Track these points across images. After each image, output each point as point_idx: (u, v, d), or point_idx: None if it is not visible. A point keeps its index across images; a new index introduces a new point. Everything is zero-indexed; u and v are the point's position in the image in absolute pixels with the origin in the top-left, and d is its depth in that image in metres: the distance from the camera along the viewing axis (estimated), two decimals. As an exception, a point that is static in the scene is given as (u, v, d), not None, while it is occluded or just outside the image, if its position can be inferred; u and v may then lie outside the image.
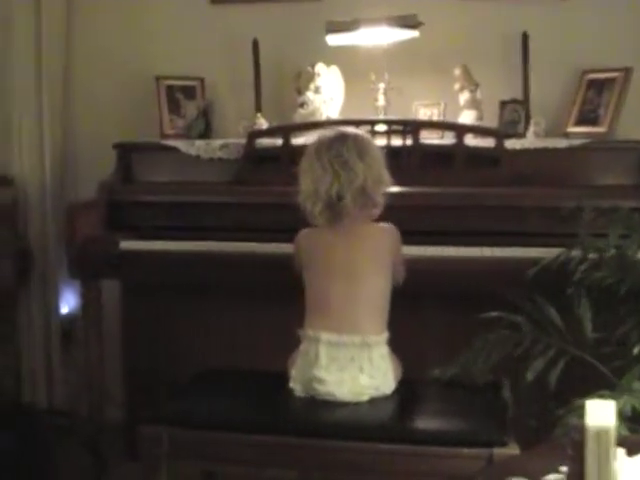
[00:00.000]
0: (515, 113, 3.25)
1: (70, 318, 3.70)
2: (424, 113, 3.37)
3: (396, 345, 2.53)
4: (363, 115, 3.27)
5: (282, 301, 2.99)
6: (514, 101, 3.27)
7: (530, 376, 2.47)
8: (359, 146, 2.54)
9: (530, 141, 3.15)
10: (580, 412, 2.25)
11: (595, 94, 3.24)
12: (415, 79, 3.38)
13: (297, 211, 2.56)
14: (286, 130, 3.16)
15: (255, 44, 3.42)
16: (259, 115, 3.37)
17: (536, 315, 2.58)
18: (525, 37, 3.27)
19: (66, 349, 3.69)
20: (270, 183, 3.05)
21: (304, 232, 2.62)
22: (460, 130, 3.09)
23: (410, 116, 3.33)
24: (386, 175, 2.56)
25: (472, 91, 3.32)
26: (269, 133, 3.24)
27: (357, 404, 2.41)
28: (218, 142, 3.29)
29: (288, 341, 2.54)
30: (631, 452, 1.71)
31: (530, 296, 2.60)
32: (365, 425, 2.34)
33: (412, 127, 3.10)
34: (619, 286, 2.48)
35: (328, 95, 3.37)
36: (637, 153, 3.08)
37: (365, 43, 3.29)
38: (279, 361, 2.56)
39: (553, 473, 1.67)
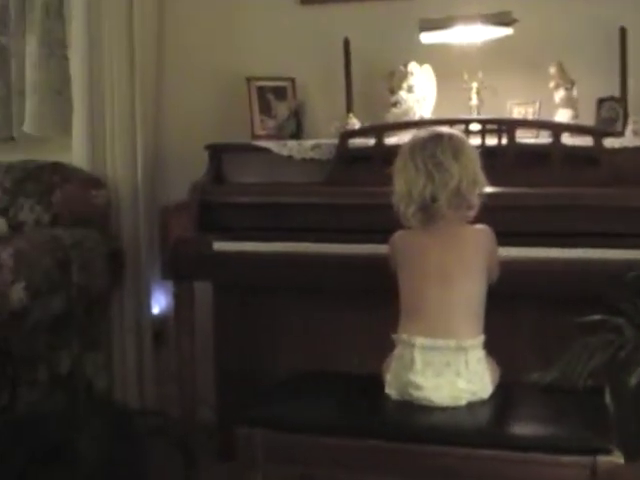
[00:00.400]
0: (613, 111, 3.16)
1: (161, 319, 3.73)
2: (518, 112, 3.30)
3: (491, 348, 2.48)
4: (456, 114, 3.22)
5: (374, 303, 2.97)
6: (611, 99, 3.18)
7: (633, 382, 2.40)
8: (454, 146, 2.49)
9: (629, 139, 3.06)
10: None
11: (697, 91, 3.15)
12: (509, 77, 3.32)
13: (390, 212, 2.54)
14: (379, 130, 3.13)
15: (346, 43, 3.39)
16: (351, 115, 3.34)
17: (638, 319, 2.51)
18: (623, 32, 3.17)
19: (157, 350, 3.71)
20: (363, 184, 3.03)
21: (399, 234, 2.59)
22: (557, 129, 3.02)
23: (504, 115, 3.27)
24: (481, 176, 2.52)
25: (567, 89, 3.24)
26: (362, 133, 3.21)
27: (455, 409, 2.37)
28: (310, 142, 3.28)
29: (381, 344, 2.51)
30: None
31: (630, 299, 2.53)
32: (464, 430, 2.30)
33: (507, 126, 3.04)
34: None
35: (421, 94, 3.32)
36: None
37: (458, 41, 3.25)
38: (372, 364, 2.53)
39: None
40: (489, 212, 2.52)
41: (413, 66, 3.33)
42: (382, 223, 2.68)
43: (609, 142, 3.02)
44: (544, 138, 3.11)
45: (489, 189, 2.56)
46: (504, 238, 2.60)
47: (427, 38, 3.23)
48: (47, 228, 3.50)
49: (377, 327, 2.77)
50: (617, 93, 3.18)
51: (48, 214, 3.56)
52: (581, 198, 2.86)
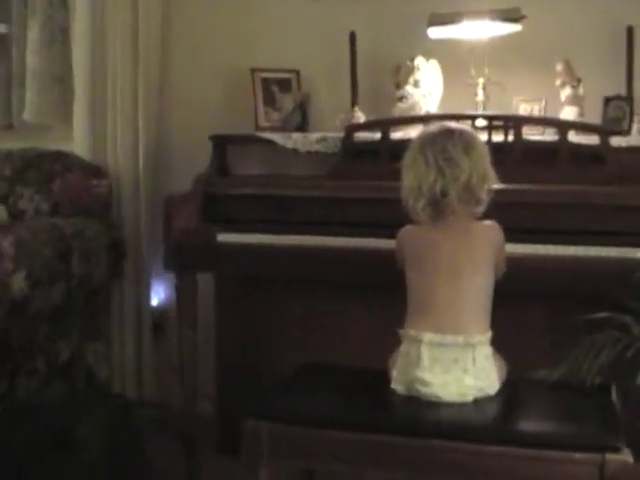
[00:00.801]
0: (619, 110, 3.16)
1: (160, 310, 3.71)
2: (524, 109, 3.30)
3: (497, 345, 2.47)
4: (462, 110, 3.20)
5: (378, 298, 2.98)
6: (618, 97, 3.18)
7: (640, 380, 2.40)
8: (465, 141, 2.48)
9: (636, 138, 3.07)
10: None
11: (703, 91, 3.15)
12: (515, 74, 3.31)
13: (396, 206, 2.52)
14: (385, 124, 3.12)
15: (352, 37, 3.38)
16: (356, 109, 3.33)
17: (646, 318, 2.51)
18: (630, 31, 3.17)
19: (156, 341, 3.69)
20: (368, 177, 3.02)
21: (407, 228, 2.57)
22: (564, 126, 3.01)
23: (510, 112, 3.26)
24: (491, 172, 2.50)
25: (574, 87, 3.24)
26: (368, 127, 3.20)
27: (462, 405, 2.36)
28: (315, 135, 3.27)
29: (385, 339, 2.49)
30: None
31: (638, 297, 2.53)
32: (472, 426, 2.28)
33: (514, 123, 3.03)
34: None
35: (427, 89, 3.32)
36: None
37: (466, 36, 3.24)
38: (374, 359, 2.51)
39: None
40: (494, 208, 2.51)
41: (420, 61, 3.32)
42: (387, 217, 2.68)
43: (615, 141, 3.02)
44: (550, 135, 3.11)
45: (496, 185, 2.56)
46: (509, 234, 2.58)
47: (435, 33, 3.22)
48: (47, 217, 3.48)
49: (381, 322, 2.77)
50: (623, 92, 3.18)
51: (48, 203, 3.54)
52: (588, 196, 2.85)
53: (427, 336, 2.40)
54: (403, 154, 2.55)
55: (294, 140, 3.27)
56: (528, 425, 2.31)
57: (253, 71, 3.54)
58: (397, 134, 3.11)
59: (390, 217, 2.59)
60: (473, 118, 3.05)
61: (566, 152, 2.97)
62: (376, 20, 3.50)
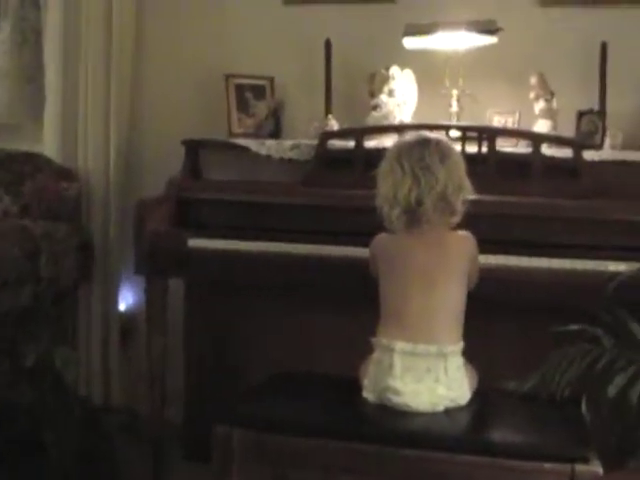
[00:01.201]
0: (592, 124, 3.18)
1: (129, 315, 3.68)
2: (498, 121, 3.31)
3: (469, 355, 2.47)
4: (435, 120, 3.19)
5: (351, 305, 2.96)
6: (591, 112, 3.20)
7: (611, 392, 2.40)
8: (441, 151, 2.49)
9: (608, 153, 3.09)
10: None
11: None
12: (490, 86, 3.32)
13: (368, 215, 2.53)
14: (359, 132, 3.11)
15: (327, 44, 3.37)
16: (330, 116, 3.32)
17: (617, 330, 2.52)
18: (604, 46, 3.19)
19: (124, 346, 3.66)
20: (342, 185, 3.01)
21: (381, 237, 2.57)
22: (538, 139, 3.02)
23: (484, 123, 3.27)
24: (467, 182, 2.51)
25: (548, 100, 3.25)
26: (342, 135, 3.19)
27: (433, 414, 2.36)
28: (289, 142, 3.26)
29: (356, 347, 2.49)
30: None
31: (610, 310, 2.54)
32: (443, 435, 2.28)
33: (488, 134, 3.04)
34: None
35: (401, 98, 3.32)
36: None
37: (441, 47, 3.24)
38: (346, 367, 2.51)
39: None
40: (466, 219, 2.52)
41: (394, 70, 3.32)
42: (360, 226, 2.69)
43: (588, 155, 3.04)
44: (523, 148, 3.12)
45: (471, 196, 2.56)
46: (482, 246, 2.59)
47: (410, 43, 3.22)
48: (17, 219, 3.44)
49: (353, 330, 2.75)
50: (596, 106, 3.20)
51: (17, 205, 3.50)
52: (560, 209, 2.87)
53: (399, 345, 2.40)
54: (377, 163, 2.55)
55: (267, 147, 3.25)
56: (499, 435, 2.31)
57: (227, 77, 3.52)
58: (371, 143, 3.11)
59: (363, 225, 2.60)
60: (447, 128, 3.04)
61: (539, 165, 2.98)
62: (352, 28, 3.50)
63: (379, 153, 2.60)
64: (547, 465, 2.18)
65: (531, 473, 2.19)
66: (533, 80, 3.26)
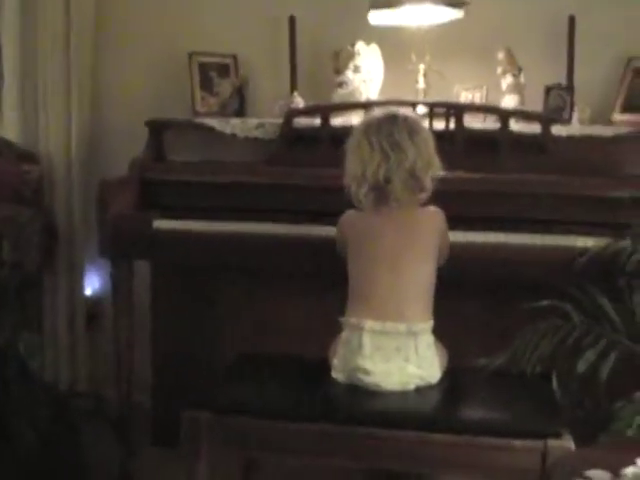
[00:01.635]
0: (560, 99, 3.15)
1: (95, 299, 3.63)
2: (465, 97, 3.27)
3: (439, 333, 2.46)
4: (402, 97, 3.15)
5: (319, 285, 2.94)
6: (559, 87, 3.17)
7: (581, 368, 2.40)
8: (410, 127, 2.46)
9: (576, 128, 3.07)
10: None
11: (641, 81, 3.16)
12: (457, 62, 3.28)
13: (335, 194, 2.50)
14: (325, 110, 3.07)
15: (292, 21, 3.32)
16: (295, 94, 3.28)
17: (586, 305, 2.51)
18: (572, 20, 3.17)
19: (91, 331, 3.61)
20: (308, 164, 2.97)
21: (349, 214, 2.54)
22: (505, 114, 3.00)
23: (451, 99, 3.23)
24: (436, 159, 2.48)
25: (515, 75, 3.22)
26: (308, 112, 3.15)
27: (404, 393, 2.35)
28: (254, 121, 3.22)
29: (325, 327, 2.46)
30: None
31: (580, 285, 2.53)
32: (414, 414, 2.27)
33: (455, 110, 3.01)
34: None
35: (367, 75, 3.27)
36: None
37: (408, 23, 3.20)
38: (314, 348, 2.48)
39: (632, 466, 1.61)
40: (437, 196, 2.49)
41: (360, 46, 3.27)
42: (327, 204, 2.67)
43: (556, 130, 3.02)
44: (491, 124, 3.09)
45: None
46: (450, 223, 2.57)
47: (376, 18, 3.18)
48: (-23, 203, 3.37)
49: (321, 310, 2.73)
50: (564, 81, 3.17)
51: (-22, 189, 3.43)
52: (528, 184, 2.86)
53: (368, 324, 2.38)
54: (343, 140, 2.52)
55: (232, 126, 3.21)
56: (470, 413, 2.31)
57: (190, 55, 3.46)
58: (337, 120, 3.07)
59: (331, 204, 2.57)
60: (414, 105, 3.00)
61: (507, 140, 2.96)
62: (316, 4, 3.43)
63: (346, 131, 2.57)
64: (519, 442, 2.18)
65: (504, 450, 2.19)
66: (500, 55, 3.23)
